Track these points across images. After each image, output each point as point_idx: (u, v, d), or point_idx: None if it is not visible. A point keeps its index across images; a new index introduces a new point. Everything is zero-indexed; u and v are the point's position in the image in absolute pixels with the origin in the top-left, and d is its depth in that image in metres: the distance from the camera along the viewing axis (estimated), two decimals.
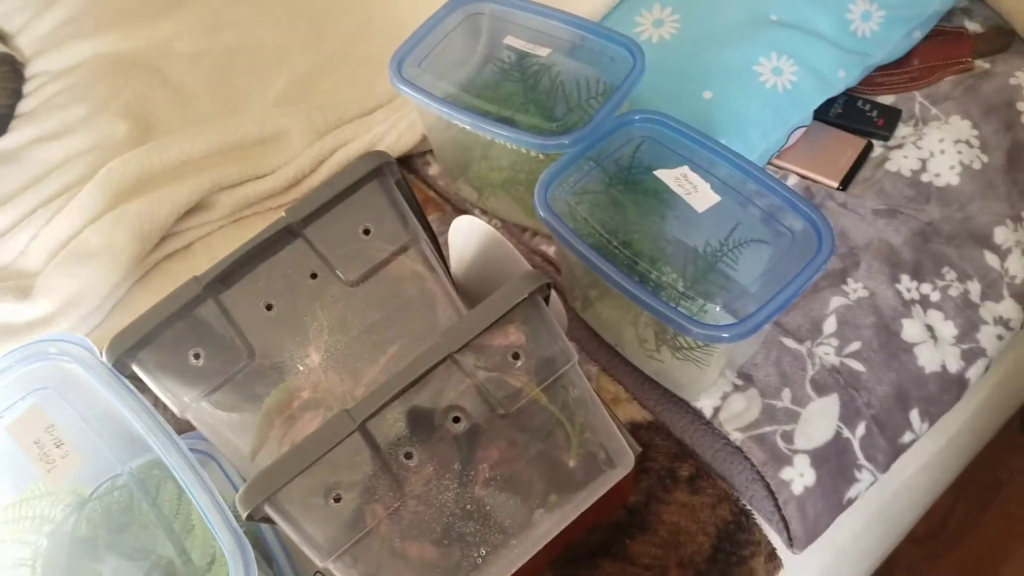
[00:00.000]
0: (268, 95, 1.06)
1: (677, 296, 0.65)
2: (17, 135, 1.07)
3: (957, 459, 0.93)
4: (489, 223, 0.91)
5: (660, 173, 0.69)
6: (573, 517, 0.45)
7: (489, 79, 0.81)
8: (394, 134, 0.93)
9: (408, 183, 0.59)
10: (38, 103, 1.11)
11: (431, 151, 0.97)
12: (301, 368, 0.51)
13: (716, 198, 0.68)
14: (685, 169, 0.69)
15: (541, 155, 0.76)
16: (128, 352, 0.50)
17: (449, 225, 0.89)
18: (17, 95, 1.12)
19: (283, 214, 0.52)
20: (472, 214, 0.93)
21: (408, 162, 0.98)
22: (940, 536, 1.28)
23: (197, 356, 0.51)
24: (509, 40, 0.81)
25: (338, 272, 0.52)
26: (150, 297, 0.91)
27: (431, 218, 0.90)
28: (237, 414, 0.51)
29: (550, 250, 0.88)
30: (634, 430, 0.75)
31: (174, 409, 0.51)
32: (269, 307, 0.51)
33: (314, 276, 0.52)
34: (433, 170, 0.97)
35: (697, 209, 0.67)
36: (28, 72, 1.16)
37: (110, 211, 0.90)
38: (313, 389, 0.50)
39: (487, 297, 0.74)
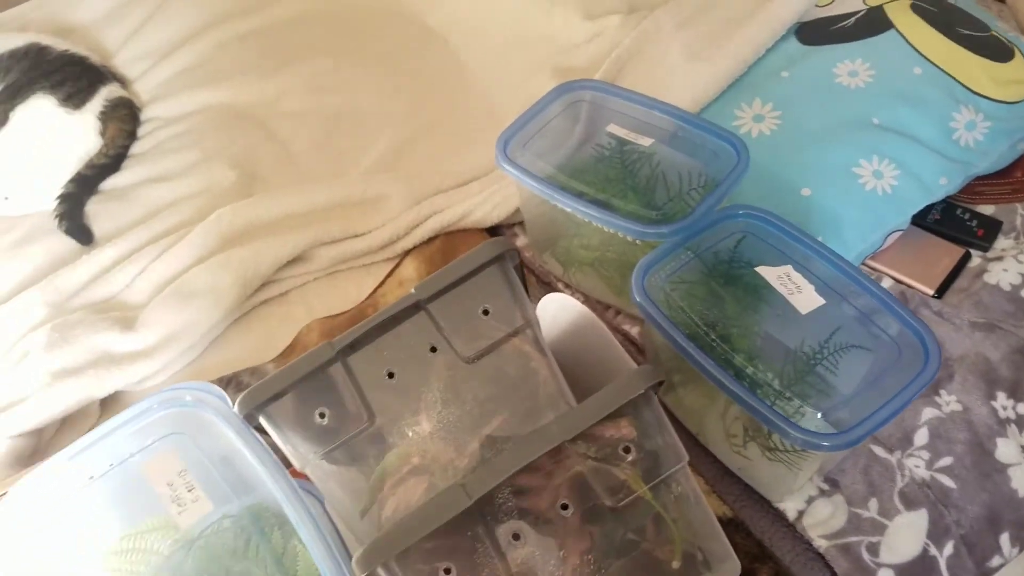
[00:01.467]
0: (366, 158, 1.10)
1: (773, 395, 0.64)
2: (130, 174, 1.13)
3: None
4: (572, 296, 0.93)
5: (763, 270, 0.70)
6: None
7: (588, 163, 0.83)
8: (488, 205, 0.96)
9: (523, 268, 0.60)
10: (151, 146, 1.17)
11: (520, 223, 0.99)
12: (411, 435, 0.53)
13: (820, 300, 0.67)
14: (789, 268, 0.69)
15: (638, 241, 0.77)
16: (259, 406, 0.52)
17: (532, 296, 0.91)
18: (133, 137, 1.18)
19: (412, 291, 0.54)
20: (557, 288, 0.94)
21: (496, 232, 1.00)
22: None
23: (322, 415, 0.52)
24: (612, 128, 0.83)
25: (456, 348, 0.53)
26: (245, 337, 0.96)
27: None
28: (350, 471, 0.52)
29: (633, 331, 0.88)
30: None
31: (295, 463, 0.53)
32: (391, 375, 0.53)
33: (433, 349, 0.53)
34: (520, 241, 0.99)
35: (800, 311, 0.67)
36: (144, 116, 1.23)
37: (217, 255, 0.94)
38: (421, 456, 0.51)
39: (573, 376, 0.75)
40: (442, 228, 0.97)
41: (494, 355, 0.53)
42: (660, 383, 0.50)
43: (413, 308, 0.54)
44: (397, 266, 0.98)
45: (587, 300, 0.92)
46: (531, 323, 0.55)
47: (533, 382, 0.53)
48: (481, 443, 0.52)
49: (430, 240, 0.99)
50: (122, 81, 1.27)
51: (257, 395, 0.51)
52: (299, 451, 0.52)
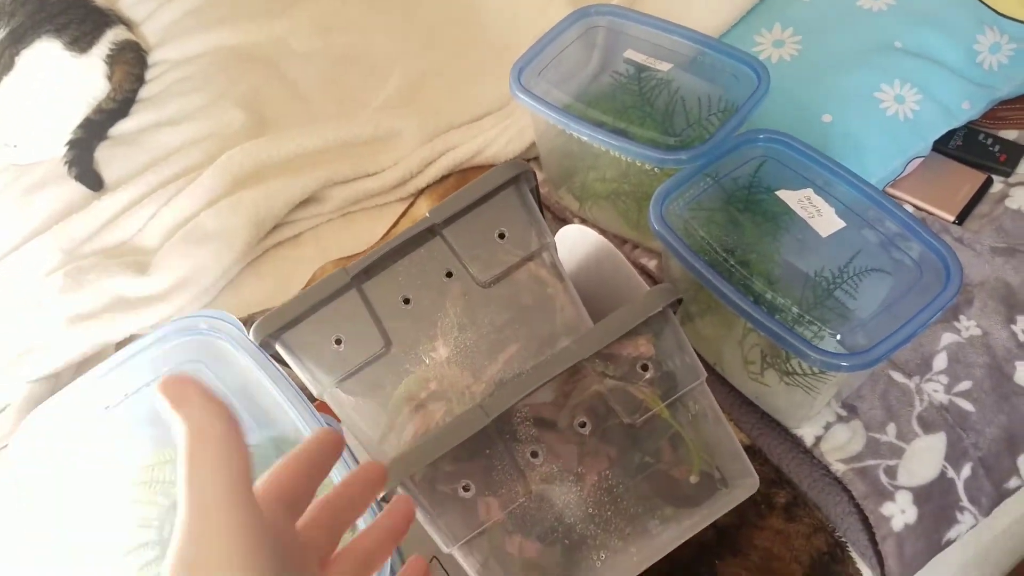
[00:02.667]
0: (378, 97, 1.08)
1: (792, 319, 0.64)
2: (138, 119, 1.12)
3: None
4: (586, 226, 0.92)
5: (783, 194, 0.69)
6: (693, 532, 0.45)
7: (605, 91, 0.82)
8: (502, 140, 0.94)
9: (539, 191, 0.59)
10: (159, 89, 1.16)
11: (535, 159, 0.98)
12: (428, 361, 0.53)
13: (841, 223, 0.67)
14: (809, 192, 0.68)
15: (655, 169, 0.76)
16: (274, 333, 0.52)
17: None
18: (140, 81, 1.17)
19: (426, 214, 0.53)
20: (573, 223, 0.93)
21: None
22: None
23: (339, 342, 0.52)
24: (629, 53, 0.81)
25: (472, 272, 0.53)
26: (258, 280, 0.96)
27: None
28: (367, 399, 0.52)
29: (651, 264, 0.88)
30: None
31: (312, 390, 0.53)
32: (407, 300, 0.53)
33: (449, 275, 0.53)
34: (543, 170, 0.98)
35: (821, 234, 0.66)
36: (151, 59, 1.21)
37: (228, 197, 0.94)
38: (439, 382, 0.52)
39: (591, 308, 0.75)
40: (456, 165, 0.96)
41: (511, 280, 0.53)
42: (679, 301, 0.50)
43: (428, 233, 0.53)
44: (411, 206, 0.98)
45: (604, 234, 0.91)
46: (548, 247, 0.55)
47: (550, 308, 0.53)
48: (500, 367, 0.53)
49: (443, 179, 0.98)
50: (128, 24, 1.25)
51: (272, 322, 0.51)
52: (316, 378, 0.52)
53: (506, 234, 0.53)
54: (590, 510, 0.45)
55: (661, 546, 0.44)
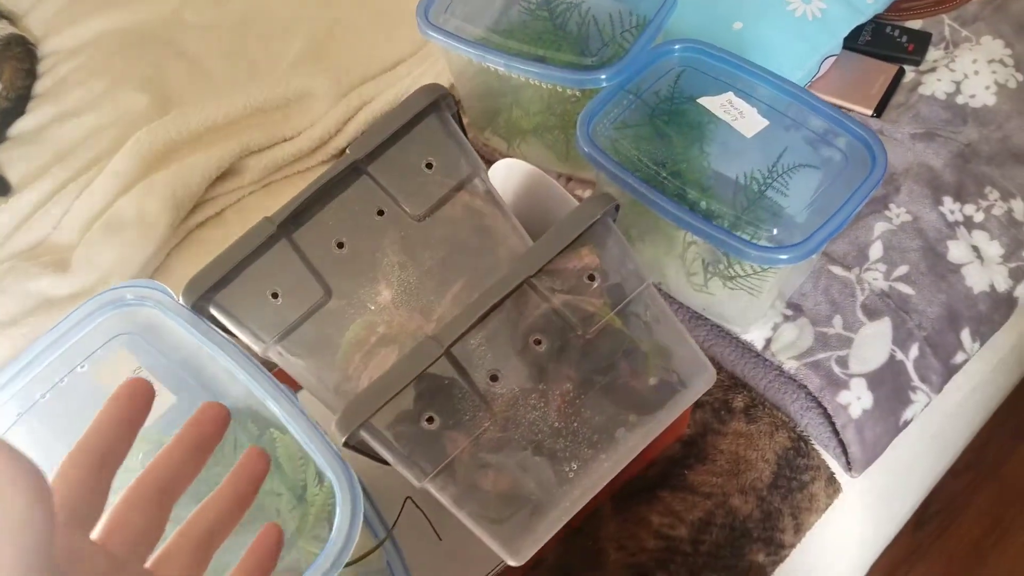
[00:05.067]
0: (284, 60, 1.04)
1: (729, 224, 0.64)
2: (37, 115, 1.06)
3: (1007, 380, 0.92)
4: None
5: (704, 101, 0.68)
6: (658, 432, 0.44)
7: (516, 20, 0.80)
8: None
9: (461, 117, 0.58)
10: (54, 82, 1.09)
11: (457, 102, 0.96)
12: (372, 306, 0.51)
13: (764, 122, 0.67)
14: (730, 95, 0.68)
15: (577, 93, 0.75)
16: (205, 295, 0.49)
17: None
18: (32, 76, 1.11)
19: (347, 152, 0.51)
20: None
21: None
22: (979, 467, 1.28)
23: (275, 295, 0.50)
24: None
25: (404, 208, 0.51)
26: (186, 265, 0.92)
27: None
28: (315, 352, 0.50)
29: (585, 194, 0.87)
30: None
31: (256, 349, 0.51)
32: (340, 245, 0.51)
33: (381, 213, 0.51)
34: (466, 111, 0.96)
35: (746, 135, 0.66)
36: (40, 52, 1.14)
37: (141, 181, 0.90)
38: (387, 325, 0.50)
39: (534, 236, 0.74)
40: (375, 119, 0.93)
41: (446, 212, 0.51)
42: (616, 208, 0.49)
43: (352, 172, 0.51)
44: None
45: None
46: (479, 172, 0.53)
47: (491, 237, 0.52)
48: (449, 303, 0.51)
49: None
50: (9, 17, 1.18)
51: (201, 282, 0.49)
52: (258, 336, 0.50)
53: (434, 163, 0.51)
54: (556, 424, 0.44)
55: (628, 451, 0.44)
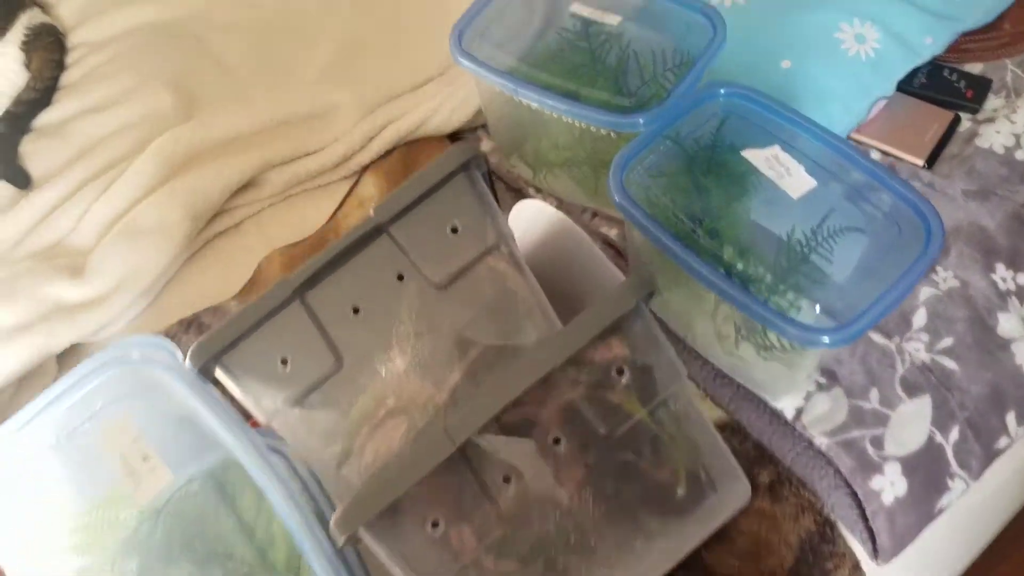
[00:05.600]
0: (313, 65, 1.00)
1: (766, 290, 0.60)
2: (62, 108, 1.03)
3: None
4: (544, 202, 0.86)
5: (749, 154, 0.63)
6: (685, 552, 0.40)
7: (552, 50, 0.75)
8: (447, 109, 0.88)
9: (492, 176, 0.53)
10: (82, 75, 1.06)
11: (483, 126, 0.92)
12: (384, 373, 0.47)
13: (812, 182, 0.62)
14: (776, 149, 0.63)
15: (611, 133, 0.70)
16: (214, 357, 0.46)
17: (502, 203, 0.84)
18: (61, 67, 1.08)
19: (371, 213, 0.47)
20: (527, 194, 0.88)
21: (458, 138, 0.93)
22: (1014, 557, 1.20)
23: (284, 361, 0.47)
24: (576, 7, 0.75)
25: (425, 273, 0.47)
26: (201, 275, 0.89)
27: None
28: (321, 422, 0.47)
29: (611, 232, 0.83)
30: None
31: (260, 416, 0.47)
32: (356, 310, 0.47)
33: (400, 277, 0.47)
34: (485, 146, 0.91)
35: (792, 195, 0.61)
36: (70, 42, 1.11)
37: (161, 188, 0.87)
38: (397, 396, 0.46)
39: (553, 287, 0.69)
40: (399, 138, 0.89)
41: (468, 277, 0.47)
42: (651, 294, 0.45)
43: (374, 232, 0.47)
44: (356, 184, 0.91)
45: (561, 204, 0.86)
46: (505, 238, 0.49)
47: (512, 302, 0.48)
48: (463, 374, 0.47)
49: (388, 153, 0.91)
50: (42, 5, 1.15)
51: (210, 346, 0.45)
52: (262, 403, 0.47)
53: (459, 227, 0.48)
54: (571, 537, 0.40)
55: (648, 570, 0.39)
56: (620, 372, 0.42)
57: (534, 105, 0.70)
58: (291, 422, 0.48)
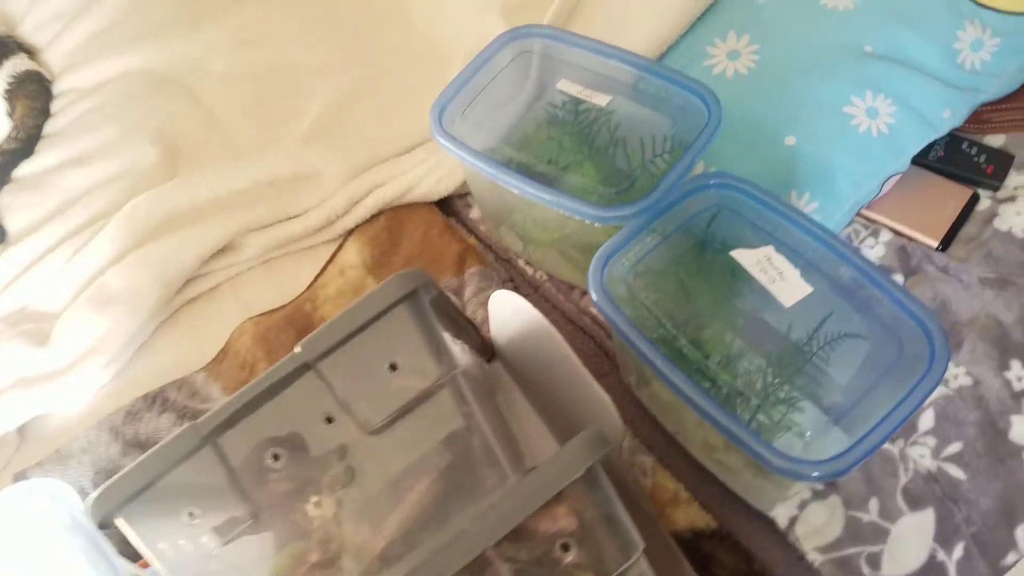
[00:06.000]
0: (303, 121, 0.97)
1: (752, 409, 0.55)
2: (44, 157, 1.01)
3: None
4: (535, 275, 0.83)
5: (739, 255, 0.59)
6: None
7: (539, 128, 0.72)
8: (433, 177, 0.85)
9: (446, 295, 0.50)
10: (67, 122, 1.04)
11: (469, 193, 0.88)
12: (310, 522, 0.44)
13: (807, 289, 0.57)
14: (770, 250, 0.59)
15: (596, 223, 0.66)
16: (115, 508, 0.43)
17: (489, 279, 0.81)
18: (45, 114, 1.06)
19: (296, 348, 0.43)
20: (516, 266, 0.84)
21: (448, 204, 0.90)
22: None
23: (191, 515, 0.43)
24: (562, 84, 0.71)
25: (357, 417, 0.43)
26: (174, 342, 0.87)
27: (471, 271, 0.82)
28: None
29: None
30: (695, 538, 0.66)
31: (165, 573, 0.44)
32: (276, 457, 0.43)
33: (329, 420, 0.44)
34: (475, 213, 0.88)
35: (784, 303, 0.57)
36: (57, 89, 1.10)
37: (133, 252, 0.84)
38: (323, 548, 0.43)
39: (528, 376, 0.65)
40: (384, 204, 0.86)
41: (408, 419, 0.43)
42: (607, 455, 0.41)
43: (300, 370, 0.44)
44: (339, 249, 0.88)
45: (551, 280, 0.82)
46: (455, 376, 0.45)
47: (460, 443, 0.44)
48: (404, 518, 0.44)
49: (374, 218, 0.88)
50: (29, 51, 1.13)
51: (111, 497, 0.42)
52: (166, 559, 0.43)
53: (399, 364, 0.44)
54: None
55: None
56: (566, 548, 0.38)
57: (514, 190, 0.66)
58: None
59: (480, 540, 0.37)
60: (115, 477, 0.43)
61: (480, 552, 0.37)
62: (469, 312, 0.79)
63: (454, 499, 0.42)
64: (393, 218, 0.87)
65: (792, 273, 0.58)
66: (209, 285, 0.88)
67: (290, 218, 0.88)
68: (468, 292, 0.80)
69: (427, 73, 0.96)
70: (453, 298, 0.79)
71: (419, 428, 0.43)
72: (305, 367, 0.43)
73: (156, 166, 0.96)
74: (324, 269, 0.86)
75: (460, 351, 0.49)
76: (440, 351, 0.44)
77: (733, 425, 0.52)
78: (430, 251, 0.83)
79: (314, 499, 0.43)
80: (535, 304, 0.81)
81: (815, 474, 0.50)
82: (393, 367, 0.43)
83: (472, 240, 0.86)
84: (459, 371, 0.45)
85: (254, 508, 0.43)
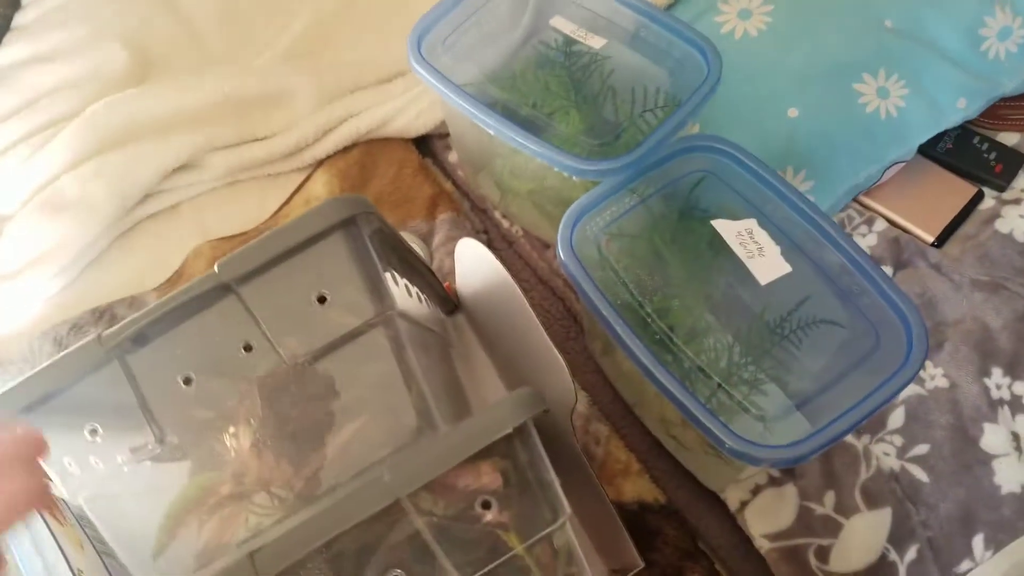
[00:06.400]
0: (282, 38, 0.92)
1: (714, 387, 0.52)
2: (11, 51, 0.96)
3: None
4: (510, 229, 0.79)
5: (720, 225, 0.56)
6: None
7: (528, 66, 0.67)
8: (412, 111, 0.80)
9: (394, 232, 0.46)
10: (36, 15, 0.99)
11: (449, 135, 0.84)
12: (223, 453, 0.40)
13: (785, 267, 0.54)
14: (752, 223, 0.55)
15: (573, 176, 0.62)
16: (11, 416, 0.39)
17: (461, 227, 0.77)
18: (15, 5, 1.01)
19: (214, 268, 0.40)
20: (493, 218, 0.80)
21: (426, 143, 0.85)
22: None
23: (94, 432, 0.40)
24: (556, 21, 0.66)
25: (278, 348, 0.40)
26: (127, 258, 0.83)
27: (442, 218, 0.78)
28: (139, 505, 0.40)
29: None
30: (642, 512, 0.64)
31: (63, 492, 0.41)
32: (187, 381, 0.40)
33: (248, 348, 0.40)
34: (454, 157, 0.84)
35: (760, 280, 0.53)
36: None
37: (91, 160, 0.80)
38: (237, 481, 0.40)
39: (490, 331, 0.62)
40: (359, 136, 0.82)
41: (333, 357, 0.40)
42: (546, 411, 0.38)
43: (219, 291, 0.40)
44: (307, 179, 0.84)
45: (526, 235, 0.78)
46: (390, 315, 0.42)
47: (390, 389, 0.41)
48: (336, 454, 0.41)
49: (347, 150, 0.83)
50: None
51: (6, 403, 0.39)
52: (67, 476, 0.40)
53: (328, 297, 0.40)
54: None
55: None
56: (486, 506, 0.35)
57: (490, 132, 0.62)
58: (102, 504, 0.41)
59: (394, 489, 0.34)
60: (12, 383, 0.40)
61: (393, 501, 0.34)
62: (436, 261, 0.75)
63: (378, 445, 0.39)
64: (367, 152, 0.83)
65: (773, 250, 0.54)
66: (169, 202, 0.84)
67: (257, 140, 0.83)
68: (437, 239, 0.76)
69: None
70: (418, 242, 0.75)
71: (346, 367, 0.40)
72: (225, 289, 0.40)
73: (124, 71, 0.92)
74: (290, 199, 0.82)
75: (404, 294, 0.45)
76: (378, 289, 0.41)
77: (689, 401, 0.49)
78: (401, 191, 0.79)
79: (231, 430, 0.40)
80: (508, 260, 0.79)
81: (768, 459, 0.47)
82: (321, 299, 0.40)
83: (448, 185, 0.82)
84: (395, 312, 0.41)
85: (161, 433, 0.40)
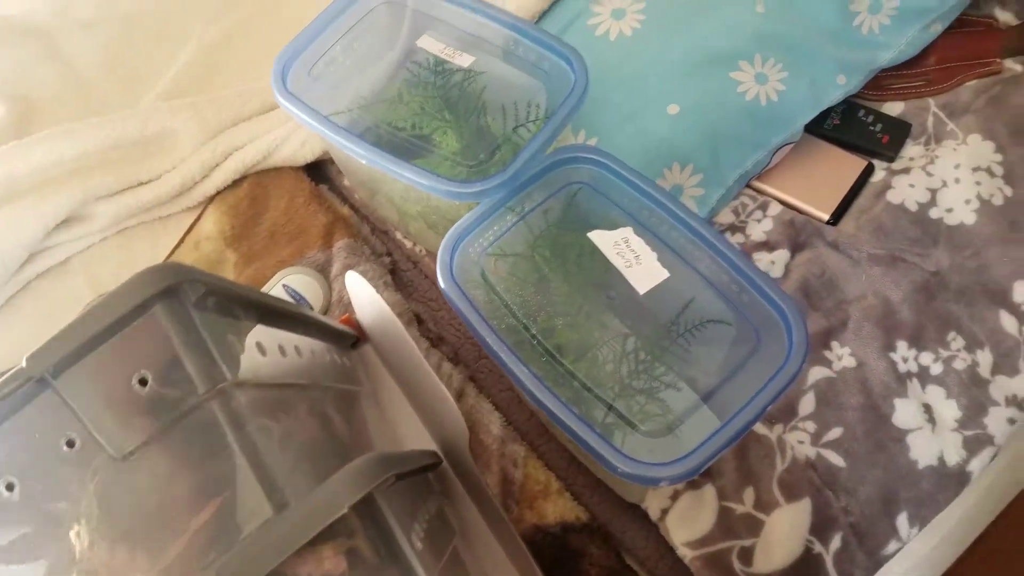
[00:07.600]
0: (165, 75, 0.89)
1: (610, 401, 0.51)
2: None
3: (952, 552, 0.80)
4: (413, 249, 0.77)
5: (596, 236, 0.54)
6: None
7: (401, 92, 0.65)
8: (296, 140, 0.78)
9: (239, 290, 0.43)
10: None
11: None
12: (59, 559, 0.38)
13: (663, 274, 0.53)
14: (628, 232, 0.54)
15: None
16: None
17: (358, 253, 0.75)
18: None
19: (23, 361, 0.37)
20: (395, 239, 0.79)
21: (320, 169, 0.83)
22: None
23: None
24: (423, 42, 0.65)
25: (103, 441, 0.37)
26: (19, 322, 0.79)
27: (339, 245, 0.76)
28: None
29: None
30: (564, 533, 0.62)
31: None
32: (9, 487, 0.37)
33: (71, 444, 0.38)
34: (348, 180, 0.82)
35: (639, 289, 0.52)
36: None
37: None
38: None
39: (394, 358, 0.60)
40: (246, 169, 0.79)
41: (163, 441, 0.37)
42: (397, 477, 0.36)
43: (34, 387, 0.37)
44: (199, 217, 0.81)
45: (429, 255, 0.77)
46: (222, 387, 0.39)
47: (234, 470, 0.38)
48: (194, 537, 0.38)
49: (237, 183, 0.81)
50: None
51: None
52: None
53: (149, 379, 0.37)
54: None
55: None
56: None
57: (363, 162, 0.60)
58: None
59: None
60: None
61: None
62: (336, 292, 0.73)
63: (221, 537, 0.37)
64: (257, 184, 0.80)
65: (649, 257, 0.54)
66: (57, 259, 0.81)
67: (142, 183, 0.80)
68: (335, 269, 0.74)
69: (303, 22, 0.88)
70: (313, 276, 0.73)
71: (182, 450, 0.38)
72: (41, 384, 0.37)
73: (5, 123, 0.88)
74: (181, 240, 0.79)
75: (257, 355, 0.43)
76: (207, 361, 0.38)
77: (578, 427, 0.48)
78: (295, 222, 0.77)
79: (75, 528, 0.37)
80: (414, 281, 0.77)
81: (662, 478, 0.46)
82: (143, 381, 0.37)
83: (345, 210, 0.80)
84: (230, 384, 0.38)
85: None
